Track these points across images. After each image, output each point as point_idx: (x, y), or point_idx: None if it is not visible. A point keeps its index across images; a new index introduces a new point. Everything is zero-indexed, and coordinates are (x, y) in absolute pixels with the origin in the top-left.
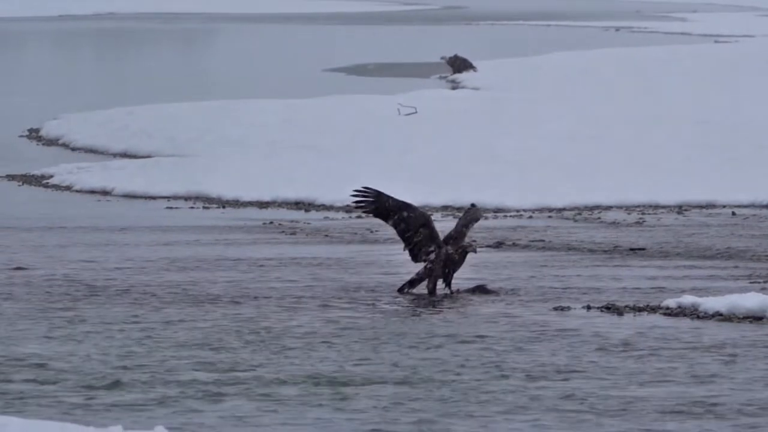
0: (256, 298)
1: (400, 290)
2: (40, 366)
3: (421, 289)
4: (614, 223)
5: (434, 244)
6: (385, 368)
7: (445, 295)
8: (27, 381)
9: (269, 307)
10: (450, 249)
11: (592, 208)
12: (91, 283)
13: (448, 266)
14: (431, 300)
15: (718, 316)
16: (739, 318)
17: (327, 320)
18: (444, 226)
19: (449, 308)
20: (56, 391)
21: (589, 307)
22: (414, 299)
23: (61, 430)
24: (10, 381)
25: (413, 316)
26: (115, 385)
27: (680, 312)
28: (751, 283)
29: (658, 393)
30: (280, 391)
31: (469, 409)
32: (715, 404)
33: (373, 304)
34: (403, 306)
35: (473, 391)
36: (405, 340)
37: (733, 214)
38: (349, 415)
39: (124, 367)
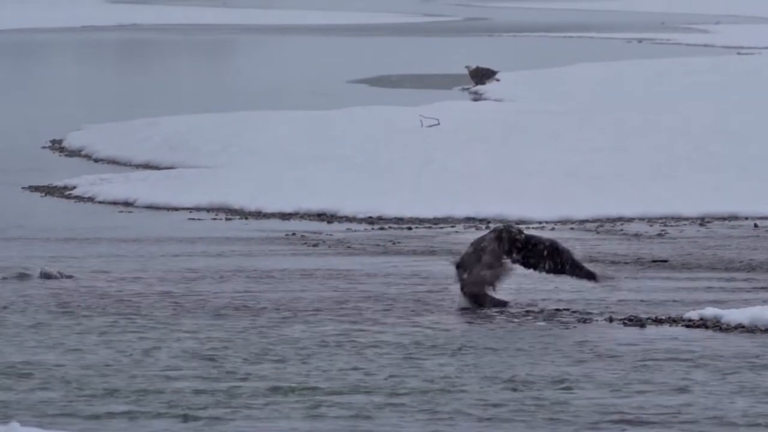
0: (273, 308)
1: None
2: (35, 374)
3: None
4: (636, 235)
5: None
6: (371, 378)
7: (469, 308)
8: (20, 389)
9: (278, 317)
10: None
11: (614, 220)
12: (104, 293)
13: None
14: (449, 311)
15: (741, 328)
16: (761, 330)
17: (323, 333)
18: (467, 238)
19: (465, 319)
20: (52, 399)
21: (611, 319)
22: (443, 312)
23: None
24: (9, 390)
25: (431, 328)
26: (110, 394)
27: (702, 324)
28: None
29: (673, 403)
30: (273, 401)
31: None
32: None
33: (376, 317)
34: (414, 317)
35: (479, 402)
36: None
37: (756, 226)
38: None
39: (120, 377)
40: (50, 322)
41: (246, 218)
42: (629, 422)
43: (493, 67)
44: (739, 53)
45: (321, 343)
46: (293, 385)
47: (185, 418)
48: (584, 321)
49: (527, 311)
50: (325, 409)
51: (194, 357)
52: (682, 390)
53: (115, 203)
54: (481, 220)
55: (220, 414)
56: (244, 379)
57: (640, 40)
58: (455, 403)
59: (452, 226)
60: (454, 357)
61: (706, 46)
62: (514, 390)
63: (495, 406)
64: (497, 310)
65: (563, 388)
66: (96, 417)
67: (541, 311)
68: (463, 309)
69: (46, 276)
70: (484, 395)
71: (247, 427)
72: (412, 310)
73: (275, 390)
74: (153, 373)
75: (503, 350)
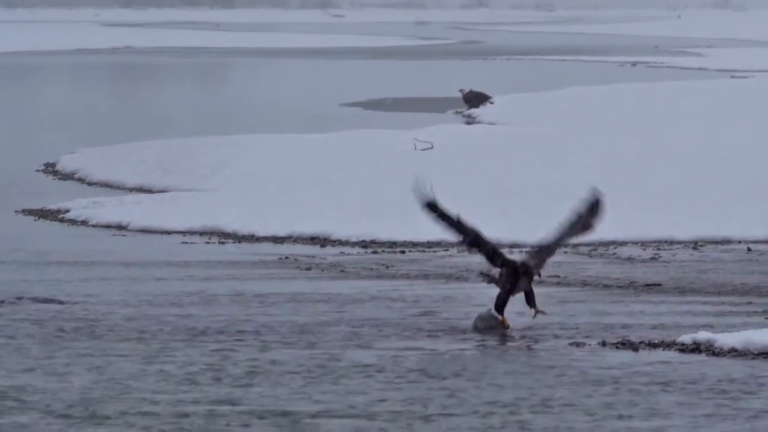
0: (261, 332)
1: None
2: (17, 397)
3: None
4: (630, 259)
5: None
6: (353, 402)
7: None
8: (4, 412)
9: (265, 340)
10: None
11: (607, 244)
12: (94, 317)
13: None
14: (437, 335)
15: (734, 352)
16: (754, 354)
17: (310, 356)
18: (461, 261)
19: (454, 343)
20: (32, 423)
21: (604, 343)
22: (436, 336)
23: None
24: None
25: (419, 351)
26: (92, 416)
27: (695, 348)
28: (766, 318)
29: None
30: (253, 424)
31: None
32: None
33: (364, 341)
34: (402, 341)
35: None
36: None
37: (749, 249)
38: None
39: (105, 399)
40: (35, 346)
41: (239, 242)
42: None
43: (487, 91)
44: (732, 77)
45: (306, 367)
46: (274, 408)
47: None
48: (577, 344)
49: (521, 335)
50: None
51: (177, 381)
52: (666, 414)
53: (108, 227)
54: None
55: None
56: (225, 403)
57: (633, 64)
58: (437, 427)
59: (445, 250)
60: (439, 381)
61: (699, 69)
62: (497, 414)
63: (478, 430)
64: (490, 333)
65: (547, 412)
66: None
67: (534, 335)
68: (476, 329)
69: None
70: (467, 420)
71: None
72: (401, 334)
73: (255, 414)
74: (135, 397)
75: (491, 374)
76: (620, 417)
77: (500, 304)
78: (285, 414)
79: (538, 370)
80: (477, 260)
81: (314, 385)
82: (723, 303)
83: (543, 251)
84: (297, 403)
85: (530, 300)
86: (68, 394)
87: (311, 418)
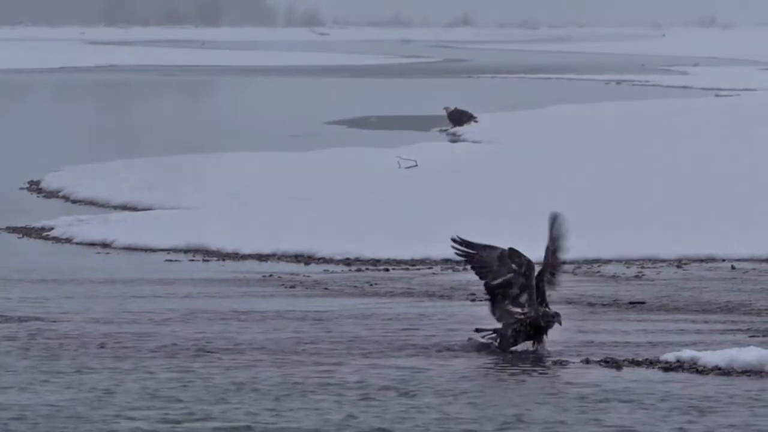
0: (241, 349)
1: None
2: None
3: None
4: (614, 277)
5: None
6: (326, 419)
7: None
8: None
9: (245, 358)
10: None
11: (591, 262)
12: (74, 335)
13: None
14: (418, 353)
15: (717, 370)
16: (738, 372)
17: (285, 374)
18: (444, 279)
19: (433, 360)
20: None
21: (587, 361)
22: (408, 353)
23: None
24: None
25: (397, 369)
26: None
27: (679, 366)
28: (750, 337)
29: None
30: None
31: None
32: None
33: (343, 358)
34: (381, 359)
35: None
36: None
37: (733, 267)
38: None
39: (81, 416)
40: (13, 362)
41: (223, 260)
42: None
43: (472, 109)
44: (717, 95)
45: (279, 384)
46: (243, 425)
47: None
48: (560, 363)
49: (504, 354)
50: None
51: (152, 397)
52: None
53: (92, 244)
54: (459, 262)
55: None
56: (197, 420)
57: (618, 82)
58: None
59: (429, 268)
60: (414, 398)
61: (684, 87)
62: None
63: None
64: (475, 351)
65: (518, 429)
66: None
67: (517, 353)
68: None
69: None
70: None
71: None
72: (381, 352)
73: (223, 429)
74: (112, 414)
75: (469, 392)
76: None
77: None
78: (251, 430)
79: (518, 388)
80: (462, 278)
81: (285, 401)
82: (707, 321)
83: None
84: (266, 420)
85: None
86: (45, 410)
87: None
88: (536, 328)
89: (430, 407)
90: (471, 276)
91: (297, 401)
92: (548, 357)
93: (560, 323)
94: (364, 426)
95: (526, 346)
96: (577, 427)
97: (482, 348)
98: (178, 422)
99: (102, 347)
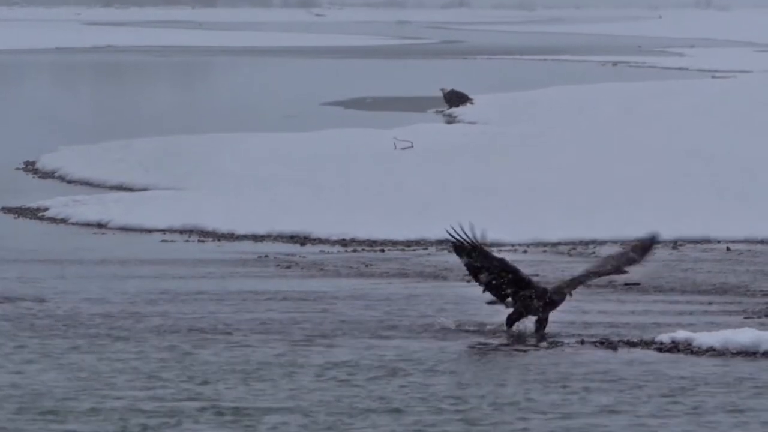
0: (233, 330)
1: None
2: None
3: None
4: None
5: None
6: (311, 398)
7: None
8: None
9: (233, 338)
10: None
11: (587, 243)
12: (68, 314)
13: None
14: (409, 334)
15: (712, 351)
16: (732, 353)
17: (276, 354)
18: (439, 260)
19: (427, 341)
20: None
21: (583, 342)
22: (405, 334)
23: None
24: None
25: (387, 349)
26: (57, 412)
27: (674, 347)
28: (745, 318)
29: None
30: (212, 420)
31: None
32: None
33: (335, 339)
34: (372, 339)
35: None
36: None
37: (728, 249)
38: None
39: (72, 396)
40: (6, 342)
41: (219, 240)
42: None
43: (468, 91)
44: (713, 77)
45: (269, 364)
46: (230, 405)
47: None
48: (555, 344)
49: (499, 334)
50: (255, 429)
51: (144, 377)
52: (624, 411)
53: (88, 225)
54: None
55: None
56: (185, 399)
57: (614, 63)
58: (396, 424)
59: (425, 249)
60: (403, 378)
61: (680, 69)
62: (461, 412)
63: (436, 426)
64: (473, 331)
65: (513, 411)
66: None
67: (512, 334)
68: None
69: None
70: (430, 416)
71: None
72: (373, 332)
73: (210, 410)
74: (100, 393)
75: (460, 372)
76: (568, 415)
77: (512, 320)
78: (237, 410)
79: (510, 368)
80: (457, 259)
81: (274, 381)
82: (702, 302)
83: (575, 282)
84: (252, 400)
85: (541, 326)
86: (36, 389)
87: (263, 414)
88: (548, 303)
89: (416, 386)
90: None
91: (286, 381)
92: (544, 338)
93: (571, 294)
94: (350, 405)
95: (529, 325)
96: (561, 407)
97: (475, 328)
98: (166, 401)
99: (93, 327)
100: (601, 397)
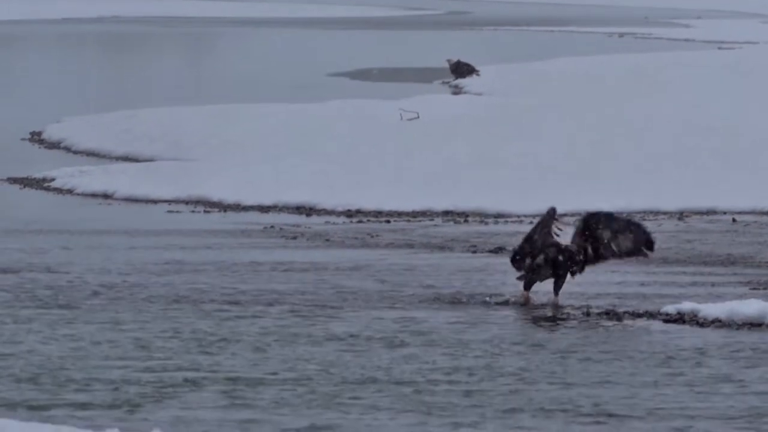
0: (236, 300)
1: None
2: None
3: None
4: None
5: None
6: (306, 369)
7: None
8: None
9: (236, 309)
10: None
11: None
12: (71, 285)
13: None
14: (418, 305)
15: (717, 323)
16: (738, 324)
17: (278, 325)
18: (446, 231)
19: (427, 312)
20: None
21: (588, 313)
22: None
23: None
24: None
25: (388, 319)
26: (57, 382)
27: (680, 318)
28: (751, 289)
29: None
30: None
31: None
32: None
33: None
34: (372, 310)
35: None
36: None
37: (734, 220)
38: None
39: (72, 366)
40: (7, 312)
41: (224, 211)
42: (581, 414)
43: (474, 62)
44: (719, 48)
45: (270, 335)
46: (228, 374)
47: (119, 407)
48: (559, 315)
49: (503, 306)
50: (251, 399)
51: (144, 347)
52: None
53: (94, 195)
54: (460, 214)
55: (151, 402)
56: (184, 369)
57: (621, 35)
58: (391, 394)
59: (431, 220)
60: (402, 349)
61: (687, 40)
62: (458, 383)
63: (437, 394)
64: (467, 302)
65: (514, 381)
66: (38, 407)
67: (517, 305)
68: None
69: None
70: (430, 386)
71: (168, 416)
72: (377, 303)
73: (210, 380)
74: (101, 364)
75: (462, 343)
76: (568, 385)
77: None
78: (237, 380)
79: (511, 339)
80: (463, 230)
81: (274, 352)
82: (708, 273)
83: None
84: (250, 370)
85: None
86: (36, 359)
87: (263, 384)
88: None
89: (417, 357)
90: (471, 228)
91: (287, 351)
92: (549, 308)
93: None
94: (347, 374)
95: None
96: (557, 376)
97: (478, 298)
98: (166, 371)
99: (96, 297)
100: (600, 367)
